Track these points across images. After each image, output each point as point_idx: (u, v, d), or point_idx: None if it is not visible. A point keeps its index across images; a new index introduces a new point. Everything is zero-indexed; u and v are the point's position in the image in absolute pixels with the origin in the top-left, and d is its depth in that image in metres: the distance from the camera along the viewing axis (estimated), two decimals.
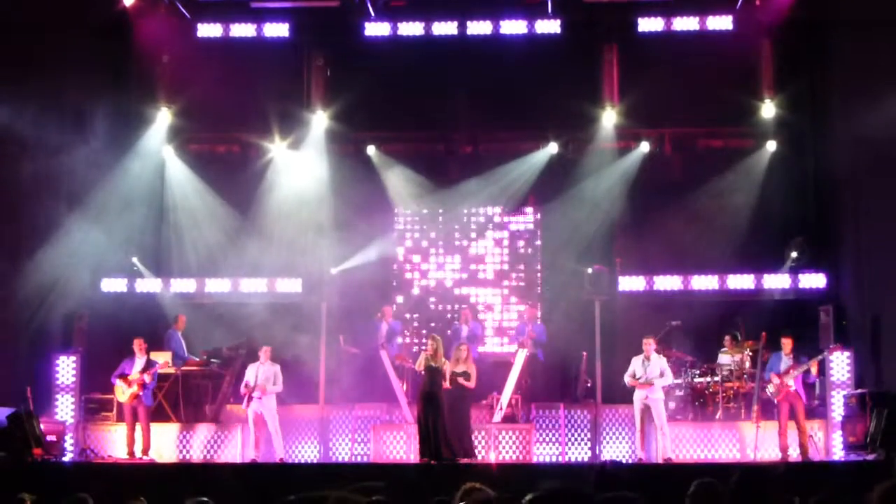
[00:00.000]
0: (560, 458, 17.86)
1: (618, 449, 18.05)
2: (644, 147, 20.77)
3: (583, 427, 18.20)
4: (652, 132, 20.82)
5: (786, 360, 16.65)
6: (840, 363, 17.53)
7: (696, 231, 19.63)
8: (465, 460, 16.08)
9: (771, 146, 20.57)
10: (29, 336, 18.39)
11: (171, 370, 18.41)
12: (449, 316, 21.28)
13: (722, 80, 19.95)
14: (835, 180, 19.67)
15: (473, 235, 21.64)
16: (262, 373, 17.15)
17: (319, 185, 20.75)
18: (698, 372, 18.42)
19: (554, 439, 18.08)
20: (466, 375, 16.58)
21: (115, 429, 17.99)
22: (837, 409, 17.34)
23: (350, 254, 20.38)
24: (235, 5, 21.06)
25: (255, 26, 20.78)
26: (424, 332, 20.94)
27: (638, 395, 16.73)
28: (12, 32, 17.75)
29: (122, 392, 17.23)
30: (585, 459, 17.79)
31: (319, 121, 20.95)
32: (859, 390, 17.03)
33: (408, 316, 21.35)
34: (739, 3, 20.23)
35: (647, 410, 16.69)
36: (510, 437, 17.56)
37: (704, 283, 20.01)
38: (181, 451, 17.91)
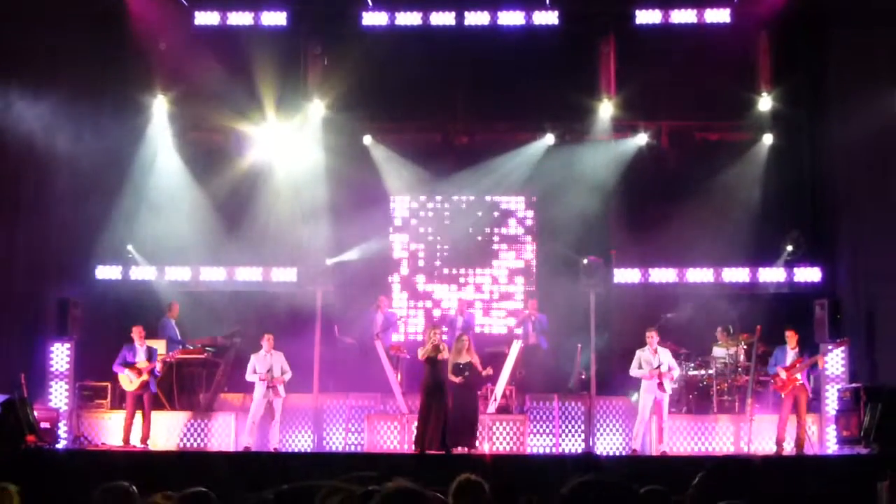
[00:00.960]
0: (554, 450, 17.89)
1: (612, 441, 18.08)
2: (640, 139, 20.75)
3: (577, 419, 18.21)
4: (649, 125, 20.79)
5: (791, 354, 16.65)
6: (834, 357, 17.55)
7: (692, 224, 19.62)
8: (469, 451, 16.11)
9: (768, 140, 20.56)
10: (23, 323, 18.36)
11: (166, 358, 18.39)
12: (444, 306, 21.27)
13: (719, 74, 19.94)
14: (831, 174, 19.68)
15: (469, 226, 21.60)
16: (272, 362, 17.13)
17: (315, 174, 20.71)
18: (693, 365, 18.44)
19: (548, 431, 18.11)
20: (470, 366, 16.58)
21: (109, 416, 17.99)
22: (831, 402, 17.37)
23: (345, 243, 20.40)
24: None
25: (252, 14, 20.73)
26: (414, 321, 20.95)
27: (650, 388, 16.66)
28: (8, 20, 17.69)
29: (131, 381, 17.14)
30: (579, 451, 17.82)
31: (316, 110, 20.90)
32: (853, 384, 17.05)
33: (403, 306, 21.32)
34: None
35: (655, 404, 16.66)
36: (504, 428, 17.57)
37: (700, 275, 20.02)
38: (175, 439, 17.90)
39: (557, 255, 20.32)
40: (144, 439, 17.18)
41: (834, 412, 17.22)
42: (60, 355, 18.15)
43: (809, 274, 19.65)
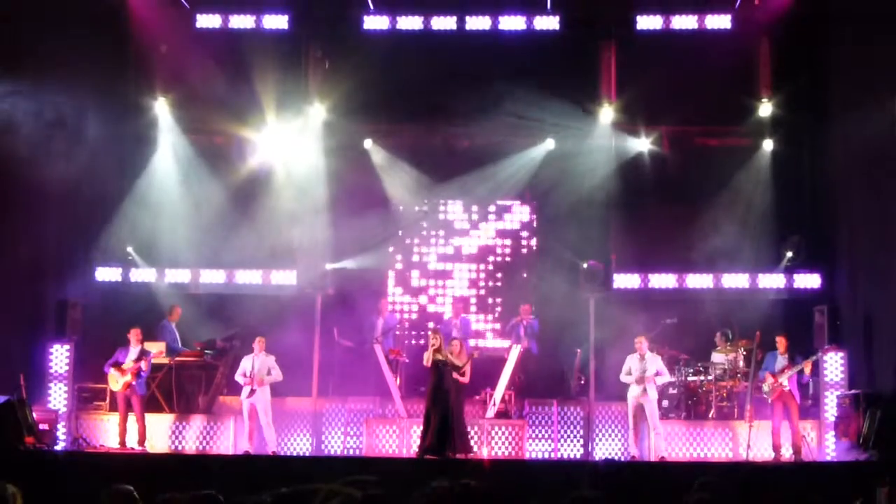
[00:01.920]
0: (552, 455, 17.89)
1: (610, 446, 18.09)
2: (641, 144, 20.76)
3: (576, 424, 18.23)
4: (649, 130, 20.77)
5: (781, 360, 16.71)
6: (833, 363, 17.56)
7: (692, 229, 19.64)
8: (463, 455, 16.10)
9: (768, 146, 20.59)
10: (22, 324, 18.35)
11: (165, 360, 18.40)
12: (442, 310, 21.27)
13: (720, 79, 19.95)
14: (831, 180, 19.68)
15: (469, 230, 21.61)
16: (257, 364, 17.16)
17: (316, 177, 20.72)
18: (692, 370, 18.44)
19: (547, 436, 18.12)
20: (457, 369, 16.58)
21: (107, 418, 17.98)
22: (830, 409, 17.38)
23: (345, 246, 20.42)
24: None
25: (254, 18, 20.73)
26: (411, 326, 20.95)
27: (632, 394, 16.76)
28: (9, 21, 17.68)
29: (116, 381, 17.23)
30: (578, 456, 17.82)
31: (317, 113, 20.91)
32: (852, 391, 17.05)
33: (402, 310, 21.32)
34: (738, 3, 20.23)
35: (640, 409, 16.72)
36: (503, 433, 17.56)
37: (699, 281, 20.02)
38: (174, 442, 17.91)
39: (557, 259, 20.31)
40: (141, 441, 17.19)
41: (833, 418, 17.22)
42: (60, 357, 18.14)
43: (809, 280, 19.65)
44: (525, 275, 21.46)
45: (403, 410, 17.95)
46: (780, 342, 16.83)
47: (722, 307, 19.55)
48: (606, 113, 20.64)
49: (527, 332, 19.25)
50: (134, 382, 17.20)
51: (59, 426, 17.72)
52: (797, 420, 16.67)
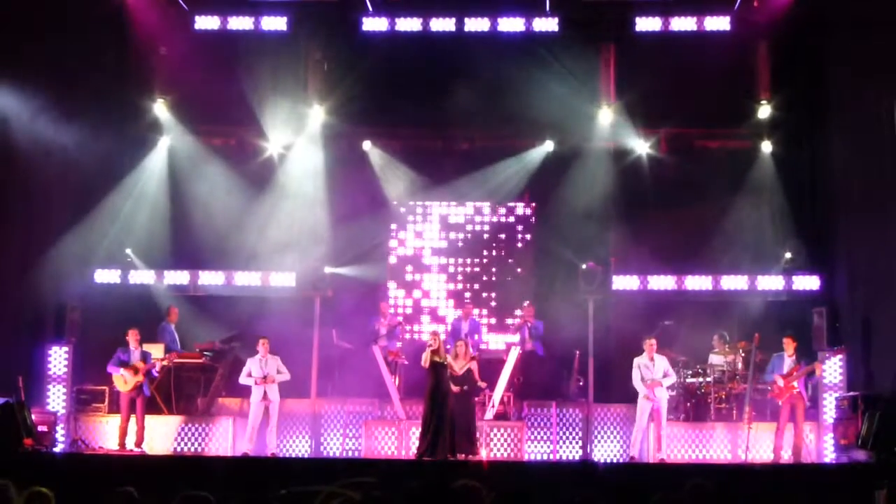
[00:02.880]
0: (551, 457, 17.88)
1: (609, 448, 18.08)
2: (640, 146, 20.77)
3: (574, 426, 18.23)
4: (648, 132, 20.79)
5: (789, 362, 16.68)
6: (832, 365, 17.56)
7: (691, 231, 19.64)
8: (467, 457, 16.10)
9: (767, 147, 20.60)
10: (21, 326, 18.33)
11: (165, 363, 18.38)
12: (443, 312, 21.28)
13: (719, 81, 19.96)
14: (830, 182, 19.67)
15: (469, 232, 21.62)
16: (267, 366, 17.13)
17: (315, 179, 20.75)
18: (691, 372, 18.44)
19: (545, 437, 18.12)
20: (470, 372, 16.63)
21: (106, 420, 17.97)
22: (829, 411, 17.37)
23: (344, 248, 20.47)
24: None
25: (252, 19, 20.70)
26: (410, 327, 20.96)
27: (643, 396, 16.69)
28: (8, 23, 17.67)
29: (125, 381, 17.16)
30: (577, 458, 17.82)
31: (316, 115, 20.94)
32: (851, 392, 17.04)
33: (402, 313, 21.32)
34: (737, 4, 20.22)
35: (652, 410, 16.66)
36: (502, 435, 17.56)
37: (698, 283, 20.00)
38: (173, 444, 17.90)
39: (556, 261, 20.32)
40: (139, 443, 17.18)
41: (832, 420, 17.22)
42: (58, 359, 18.14)
43: (808, 282, 19.63)
44: (520, 270, 21.43)
45: (402, 412, 17.95)
46: (788, 344, 16.77)
47: (721, 309, 19.54)
48: (605, 114, 20.66)
49: (531, 334, 19.23)
50: (143, 383, 17.20)
51: (58, 428, 17.71)
52: (802, 422, 16.65)
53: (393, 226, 21.65)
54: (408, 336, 20.55)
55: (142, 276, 20.40)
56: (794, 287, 19.68)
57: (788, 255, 19.91)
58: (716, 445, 17.63)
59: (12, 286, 18.03)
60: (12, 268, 18.02)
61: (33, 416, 16.88)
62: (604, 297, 19.14)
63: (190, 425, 18.01)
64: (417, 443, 16.45)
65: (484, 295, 21.48)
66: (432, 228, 21.68)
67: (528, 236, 21.62)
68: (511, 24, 20.48)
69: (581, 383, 18.76)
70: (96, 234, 19.65)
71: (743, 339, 18.35)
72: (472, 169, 21.20)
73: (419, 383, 17.36)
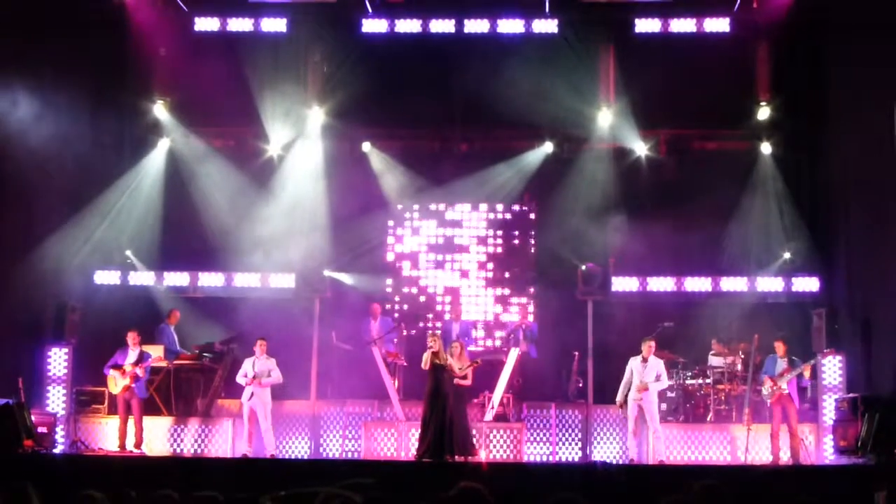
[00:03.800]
0: (551, 458, 17.88)
1: (609, 449, 18.08)
2: (639, 148, 20.77)
3: (574, 427, 18.24)
4: (647, 133, 20.79)
5: (780, 363, 16.71)
6: (832, 367, 17.57)
7: (690, 232, 19.63)
8: (467, 459, 16.08)
9: (766, 149, 20.59)
10: (21, 327, 18.34)
11: (163, 364, 18.38)
12: (439, 312, 21.28)
13: (718, 83, 19.96)
14: (829, 183, 19.68)
15: (467, 233, 21.62)
16: (258, 366, 17.14)
17: (314, 180, 20.75)
18: (690, 374, 18.44)
19: (545, 439, 18.12)
20: (462, 372, 16.61)
21: (106, 421, 17.97)
22: (829, 412, 17.37)
23: (343, 249, 20.49)
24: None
25: (252, 21, 20.74)
26: (406, 328, 20.95)
27: (632, 397, 16.68)
28: (8, 26, 17.68)
29: (115, 383, 17.23)
30: (576, 460, 17.82)
31: (315, 116, 20.94)
32: (851, 394, 17.04)
33: (398, 312, 21.33)
34: (737, 6, 20.23)
35: (640, 412, 16.65)
36: (501, 436, 17.56)
37: (698, 284, 19.99)
38: (172, 445, 17.90)
39: (556, 262, 20.32)
40: (138, 444, 17.18)
41: (831, 422, 17.21)
42: (58, 360, 18.14)
43: (807, 283, 19.62)
44: (518, 271, 21.44)
45: (402, 413, 17.95)
46: (779, 346, 16.82)
47: (720, 310, 19.53)
48: (605, 116, 20.66)
49: (526, 336, 19.23)
50: (133, 385, 17.21)
51: (58, 429, 17.72)
52: (796, 423, 16.66)
53: (391, 223, 21.62)
54: (404, 332, 20.51)
55: (142, 278, 20.40)
56: (794, 288, 19.67)
57: (788, 256, 19.93)
58: (715, 447, 17.63)
59: (12, 287, 18.03)
60: (12, 269, 18.02)
61: (33, 418, 16.89)
62: (603, 299, 19.14)
63: (189, 426, 18.01)
64: (417, 444, 16.45)
65: (481, 295, 21.46)
66: (431, 229, 21.66)
67: (527, 237, 21.60)
68: (510, 26, 20.50)
69: (580, 384, 18.76)
70: (96, 236, 19.66)
71: (742, 340, 18.35)
72: (471, 170, 21.18)
73: (419, 385, 17.36)
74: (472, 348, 19.92)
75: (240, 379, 17.25)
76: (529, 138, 21.19)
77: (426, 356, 16.35)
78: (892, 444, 15.47)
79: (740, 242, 20.10)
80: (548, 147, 21.05)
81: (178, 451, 17.82)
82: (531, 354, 19.26)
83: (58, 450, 17.41)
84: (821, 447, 17.35)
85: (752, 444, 16.91)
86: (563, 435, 18.21)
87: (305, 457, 18.12)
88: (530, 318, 20.46)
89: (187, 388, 18.86)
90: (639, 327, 18.42)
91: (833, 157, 19.46)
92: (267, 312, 19.54)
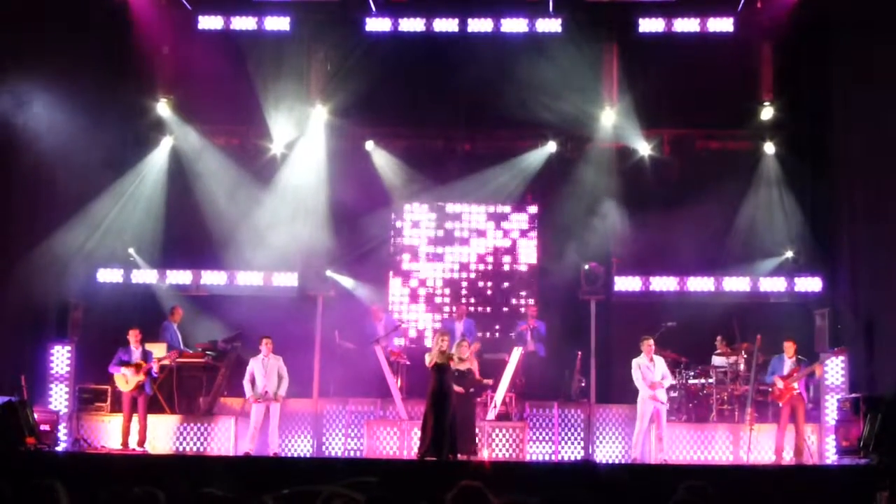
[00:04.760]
0: (553, 457, 17.89)
1: (611, 449, 18.08)
2: (642, 147, 20.76)
3: (576, 426, 18.23)
4: (651, 133, 20.78)
5: (789, 363, 16.71)
6: (834, 367, 17.56)
7: (693, 232, 19.62)
8: (469, 457, 16.07)
9: (769, 149, 20.58)
10: (24, 325, 18.35)
11: (166, 362, 18.39)
12: (445, 312, 21.28)
13: (722, 83, 19.98)
14: (833, 184, 19.66)
15: (471, 232, 21.62)
16: (267, 368, 17.11)
17: (317, 178, 20.76)
18: (693, 373, 18.44)
19: (547, 438, 18.11)
20: (471, 372, 16.62)
21: (108, 419, 17.98)
22: (831, 412, 17.37)
23: (347, 248, 20.50)
24: None
25: (255, 19, 20.75)
26: (407, 324, 20.96)
27: (646, 397, 16.66)
28: (11, 22, 17.69)
29: (126, 381, 17.18)
30: (578, 458, 17.82)
31: (318, 115, 20.95)
32: (853, 394, 17.04)
33: (401, 313, 21.33)
34: (741, 6, 20.23)
35: (656, 413, 16.64)
36: (504, 435, 17.57)
37: (700, 284, 20.00)
38: (175, 443, 17.91)
39: (559, 261, 20.32)
40: (141, 442, 17.19)
41: (833, 422, 17.21)
42: (61, 358, 18.15)
43: (810, 283, 19.64)
44: (522, 271, 21.44)
45: (404, 412, 17.94)
46: (788, 347, 16.78)
47: (723, 310, 19.52)
48: (608, 115, 20.65)
49: (533, 336, 19.26)
50: (145, 382, 17.22)
51: (60, 427, 17.71)
52: (803, 423, 16.66)
53: (396, 222, 21.61)
54: (413, 334, 20.51)
55: (144, 276, 20.43)
56: (797, 288, 19.70)
57: (791, 255, 19.92)
58: (717, 446, 17.64)
59: (15, 285, 18.03)
60: (15, 266, 18.02)
61: (36, 415, 16.89)
62: (606, 298, 19.14)
63: (192, 425, 18.02)
64: (419, 443, 16.44)
65: (486, 295, 21.47)
66: (434, 228, 21.66)
67: (530, 237, 21.59)
68: (514, 25, 20.51)
69: (583, 384, 18.76)
70: (99, 233, 19.68)
71: (745, 340, 18.34)
72: (474, 169, 21.18)
73: (421, 383, 17.35)
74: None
75: (247, 387, 17.15)
76: (533, 138, 21.18)
77: (433, 354, 16.23)
78: (894, 444, 15.46)
79: (743, 242, 20.09)
80: (551, 147, 21.04)
81: (181, 449, 17.82)
82: (539, 353, 19.28)
83: (60, 448, 17.42)
84: (823, 447, 17.34)
85: (754, 444, 16.92)
86: (566, 434, 18.20)
87: (308, 455, 18.12)
88: (536, 317, 20.41)
89: (190, 386, 18.86)
90: (641, 327, 18.39)
91: (836, 157, 19.44)
92: (270, 311, 19.55)
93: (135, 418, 17.26)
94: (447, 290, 21.47)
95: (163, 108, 20.98)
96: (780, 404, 16.76)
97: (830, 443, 17.18)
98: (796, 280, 19.70)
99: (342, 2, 20.88)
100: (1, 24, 17.32)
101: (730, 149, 21.26)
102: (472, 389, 16.73)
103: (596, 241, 20.06)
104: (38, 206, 18.59)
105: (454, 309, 20.89)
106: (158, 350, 18.09)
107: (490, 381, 17.24)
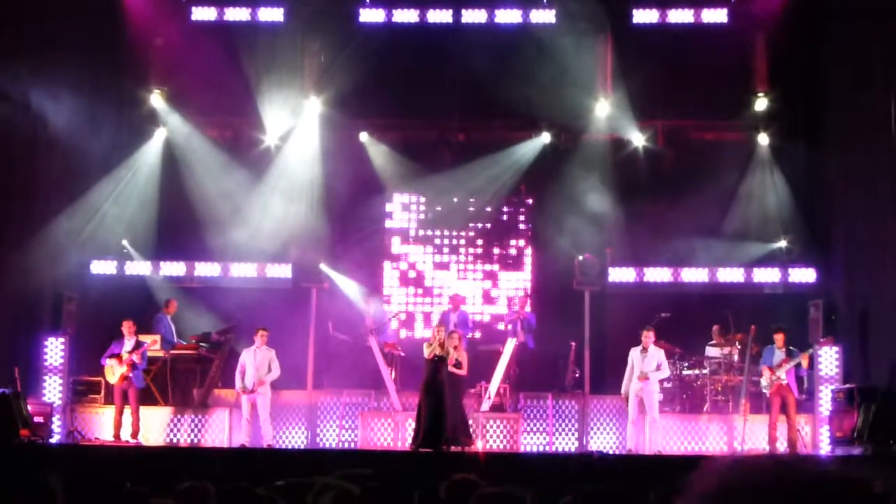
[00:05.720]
0: (547, 448, 17.90)
1: (605, 439, 18.09)
2: (636, 138, 20.75)
3: (570, 417, 18.24)
4: (644, 124, 20.77)
5: (779, 354, 16.73)
6: (828, 358, 17.57)
7: (687, 223, 19.63)
8: (458, 448, 16.06)
9: (763, 140, 20.59)
10: (18, 317, 18.33)
11: (160, 353, 18.38)
12: (438, 303, 21.28)
13: (716, 74, 19.97)
14: (826, 174, 19.68)
15: (465, 223, 21.62)
16: (258, 358, 17.10)
17: (311, 170, 20.75)
18: (687, 364, 18.45)
19: (541, 429, 18.12)
20: (458, 364, 16.58)
21: (102, 411, 17.97)
22: (825, 403, 17.39)
23: (341, 239, 20.52)
24: None
25: (249, 10, 20.73)
26: (401, 315, 20.96)
27: (633, 387, 16.66)
28: (3, 13, 17.65)
29: (112, 373, 17.20)
30: (573, 450, 17.84)
31: (312, 106, 20.92)
32: (847, 385, 17.06)
33: (396, 303, 21.33)
34: None
35: (640, 402, 16.64)
36: (498, 427, 17.57)
37: (694, 275, 20.01)
38: (169, 435, 17.90)
39: (553, 252, 20.32)
40: (134, 434, 17.17)
41: (827, 413, 17.23)
42: (54, 350, 18.11)
43: (804, 274, 19.66)
44: (515, 262, 21.45)
45: (398, 403, 17.95)
46: (778, 338, 16.82)
47: (717, 301, 19.54)
48: (602, 106, 20.64)
49: (523, 327, 19.25)
50: (130, 375, 17.19)
51: (54, 419, 17.68)
52: (794, 414, 16.68)
53: (390, 212, 21.60)
54: (404, 333, 20.53)
55: (138, 268, 20.41)
56: (791, 279, 19.71)
57: (785, 246, 19.94)
58: (711, 437, 17.65)
59: (9, 276, 18.01)
60: (9, 258, 18.00)
61: (29, 407, 16.88)
62: (600, 289, 19.14)
63: (186, 416, 18.01)
64: (413, 434, 16.44)
65: (479, 285, 21.47)
66: (428, 218, 21.65)
67: (524, 228, 21.59)
68: (508, 16, 20.50)
69: (577, 375, 18.76)
70: (93, 225, 19.66)
71: (739, 331, 18.36)
72: (468, 160, 21.17)
73: (416, 375, 17.36)
74: (468, 335, 19.97)
75: (237, 379, 17.14)
76: (527, 129, 21.17)
77: (432, 346, 16.22)
78: (887, 434, 15.50)
79: (737, 233, 20.11)
80: (545, 137, 21.03)
81: (175, 441, 17.82)
82: (529, 345, 19.27)
83: (54, 440, 17.40)
84: (817, 438, 17.36)
85: (748, 435, 16.95)
86: (560, 425, 18.21)
87: (302, 446, 18.12)
88: (528, 308, 20.42)
89: (184, 378, 18.85)
90: (635, 318, 18.38)
91: (830, 147, 19.46)
92: (264, 302, 19.54)
93: (127, 410, 17.24)
94: (439, 274, 21.46)
95: (156, 100, 20.93)
96: (769, 395, 16.80)
97: (824, 433, 17.20)
98: (790, 271, 19.72)
99: None
100: None
101: (724, 139, 21.28)
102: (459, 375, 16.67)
103: (590, 232, 20.04)
104: (31, 197, 18.55)
105: (448, 298, 20.91)
106: (152, 339, 18.06)
107: (464, 373, 17.00)
